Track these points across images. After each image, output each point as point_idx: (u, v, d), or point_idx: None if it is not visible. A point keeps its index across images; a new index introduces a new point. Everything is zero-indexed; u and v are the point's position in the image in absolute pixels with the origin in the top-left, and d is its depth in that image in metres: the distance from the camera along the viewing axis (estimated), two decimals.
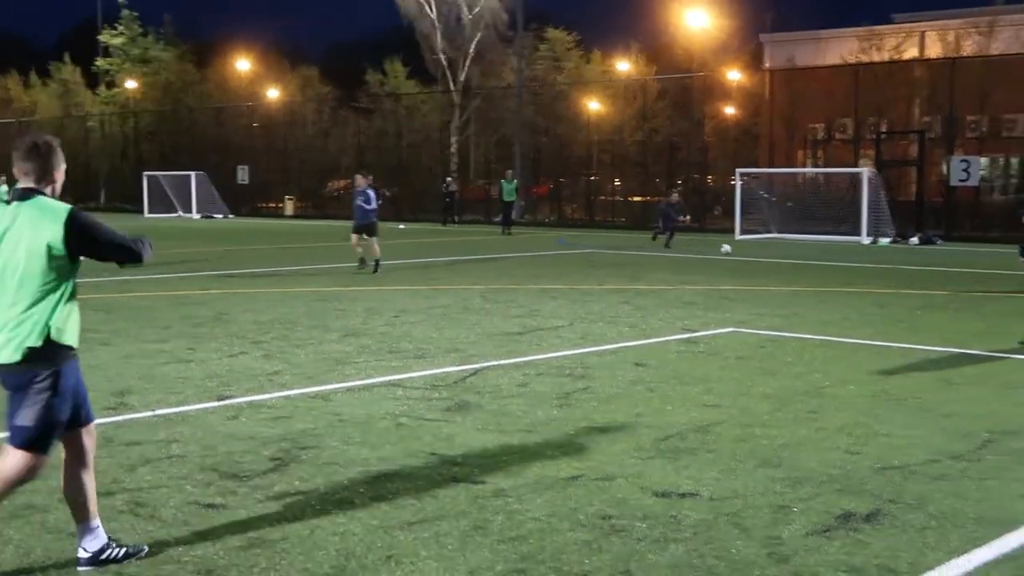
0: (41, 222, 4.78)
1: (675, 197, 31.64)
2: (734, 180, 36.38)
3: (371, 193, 21.31)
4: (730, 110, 48.66)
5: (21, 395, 4.80)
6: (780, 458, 7.02)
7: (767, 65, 49.22)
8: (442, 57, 52.83)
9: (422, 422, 8.06)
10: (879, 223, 32.93)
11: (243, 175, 52.71)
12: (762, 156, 43.60)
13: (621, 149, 47.65)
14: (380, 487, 6.36)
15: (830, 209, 35.40)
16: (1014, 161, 39.30)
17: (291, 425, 7.93)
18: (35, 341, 4.75)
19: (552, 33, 57.12)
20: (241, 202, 52.90)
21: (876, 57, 41.53)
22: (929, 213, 35.61)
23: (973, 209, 36.94)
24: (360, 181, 21.94)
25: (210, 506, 5.99)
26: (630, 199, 47.44)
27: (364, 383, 9.57)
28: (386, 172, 47.09)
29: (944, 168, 36.34)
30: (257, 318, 13.86)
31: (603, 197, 47.90)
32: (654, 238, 30.89)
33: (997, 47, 40.11)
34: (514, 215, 39.40)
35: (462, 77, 52.65)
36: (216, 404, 8.65)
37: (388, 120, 53.03)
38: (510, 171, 40.48)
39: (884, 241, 32.31)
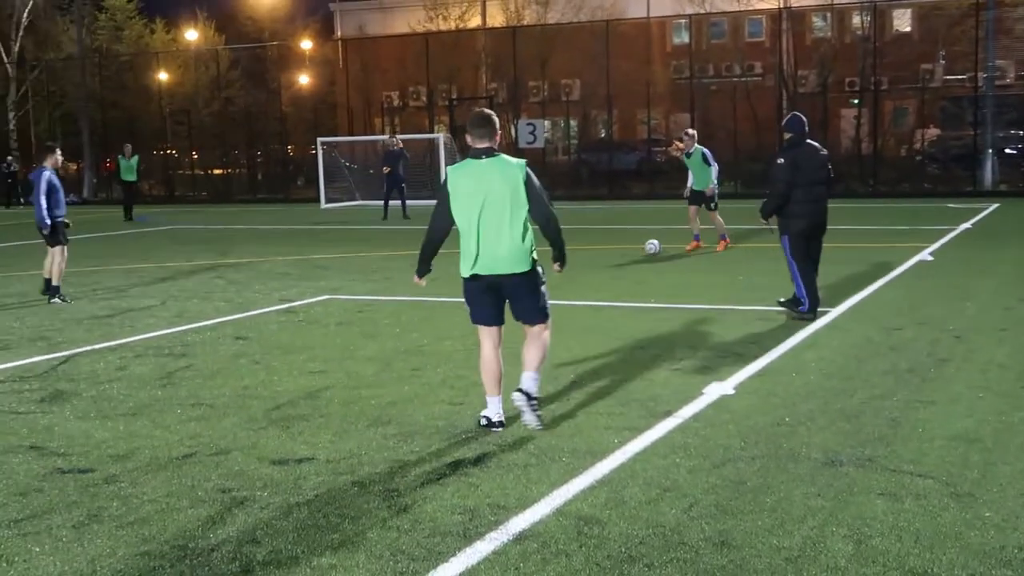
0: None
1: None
2: (314, 149, 36.48)
3: None
4: (305, 79, 48.68)
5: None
6: (389, 416, 7.29)
7: (338, 34, 49.69)
8: None
9: (15, 416, 7.61)
10: None
11: None
12: (341, 124, 44.08)
13: (197, 120, 46.38)
14: None
15: (411, 174, 36.40)
16: (573, 123, 42.25)
17: None
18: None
19: (110, 1, 54.34)
20: None
21: (443, 26, 43.09)
22: None
23: (540, 169, 39.23)
24: None
25: None
26: (210, 172, 46.36)
27: None
28: None
29: (512, 131, 38.45)
30: None
31: (181, 171, 46.47)
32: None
33: (553, 16, 42.84)
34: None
35: (16, 48, 48.74)
36: None
37: None
38: (128, 145, 32.52)
39: None
